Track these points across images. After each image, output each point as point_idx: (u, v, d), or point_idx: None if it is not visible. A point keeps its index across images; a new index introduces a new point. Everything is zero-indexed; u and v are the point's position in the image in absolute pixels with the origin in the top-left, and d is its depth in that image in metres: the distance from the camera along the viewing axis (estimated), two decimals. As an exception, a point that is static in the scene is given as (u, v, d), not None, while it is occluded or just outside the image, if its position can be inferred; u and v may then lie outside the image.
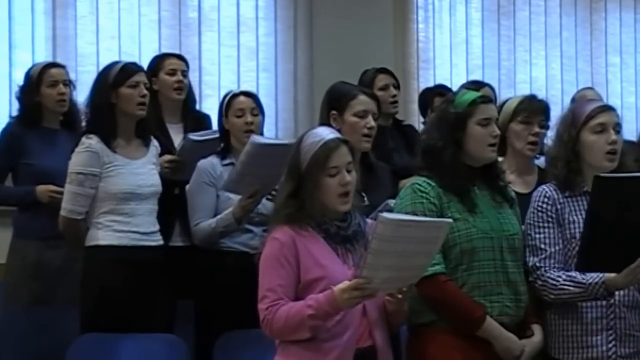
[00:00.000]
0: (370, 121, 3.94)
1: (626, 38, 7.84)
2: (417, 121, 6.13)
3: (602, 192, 3.14)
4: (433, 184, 3.38)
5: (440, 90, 5.75)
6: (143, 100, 4.19)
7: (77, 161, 4.14)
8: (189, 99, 5.01)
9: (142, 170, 4.21)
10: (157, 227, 4.26)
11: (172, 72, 4.90)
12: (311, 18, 6.57)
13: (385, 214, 2.90)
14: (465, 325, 3.31)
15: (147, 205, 4.21)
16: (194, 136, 4.59)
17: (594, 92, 6.02)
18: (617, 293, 3.36)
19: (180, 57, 5.09)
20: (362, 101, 3.96)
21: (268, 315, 3.07)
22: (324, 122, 3.91)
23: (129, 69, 4.23)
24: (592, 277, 3.31)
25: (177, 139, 4.74)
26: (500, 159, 3.71)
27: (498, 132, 3.46)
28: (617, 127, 3.49)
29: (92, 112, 4.22)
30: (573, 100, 5.87)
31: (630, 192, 3.14)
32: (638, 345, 3.41)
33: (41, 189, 4.52)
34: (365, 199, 3.62)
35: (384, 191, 3.93)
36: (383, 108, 5.29)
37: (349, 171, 3.17)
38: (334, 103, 3.98)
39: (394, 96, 5.47)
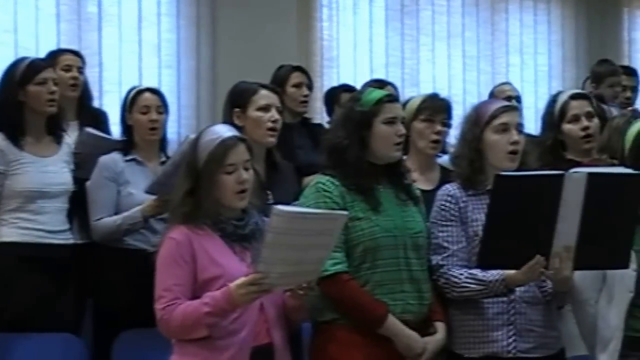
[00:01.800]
0: (275, 114, 3.89)
1: (526, 39, 8.01)
2: (320, 119, 6.14)
3: (502, 190, 3.16)
4: (337, 182, 3.36)
5: (347, 88, 5.78)
6: (52, 97, 4.17)
7: None
8: (85, 96, 4.95)
9: (51, 168, 4.18)
10: (66, 226, 4.23)
11: (67, 68, 4.85)
12: (214, 15, 6.53)
13: (280, 207, 2.88)
14: (366, 323, 3.30)
15: (56, 203, 4.18)
16: (91, 130, 4.53)
17: (511, 87, 6.18)
18: (517, 289, 3.39)
19: (75, 53, 5.04)
20: (264, 95, 3.92)
21: (165, 315, 3.06)
22: (228, 121, 3.87)
23: (36, 66, 4.20)
24: (493, 274, 3.34)
25: (72, 136, 4.63)
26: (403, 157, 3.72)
27: (404, 131, 3.47)
28: (520, 127, 3.52)
29: None
30: (491, 94, 5.98)
31: (529, 191, 3.16)
32: (537, 340, 3.44)
33: None
34: (271, 196, 3.60)
35: (288, 189, 3.91)
36: (292, 106, 5.35)
37: (246, 169, 3.17)
38: (236, 101, 3.94)
39: (306, 96, 5.50)
